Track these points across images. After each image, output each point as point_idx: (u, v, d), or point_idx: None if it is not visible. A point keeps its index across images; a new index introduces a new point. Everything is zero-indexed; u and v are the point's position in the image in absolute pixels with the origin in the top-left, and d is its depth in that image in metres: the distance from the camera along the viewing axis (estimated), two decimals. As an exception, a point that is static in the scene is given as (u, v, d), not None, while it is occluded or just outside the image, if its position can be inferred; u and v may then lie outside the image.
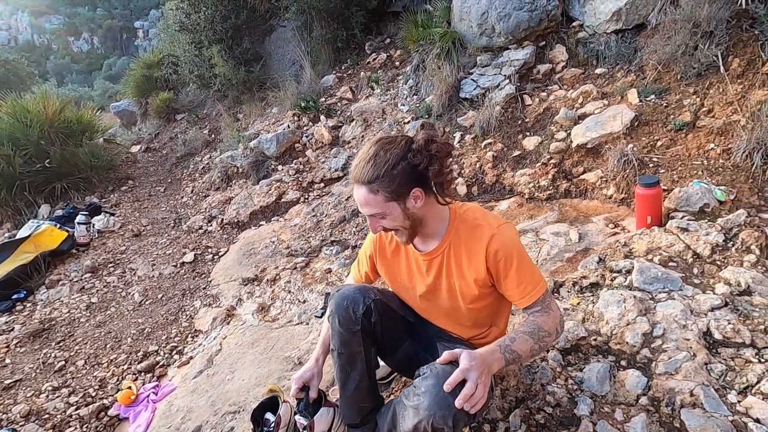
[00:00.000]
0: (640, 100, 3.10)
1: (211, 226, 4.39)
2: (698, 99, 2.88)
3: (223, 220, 4.38)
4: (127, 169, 6.24)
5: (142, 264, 3.78)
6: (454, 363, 1.11)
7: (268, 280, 3.19)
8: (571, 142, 3.13)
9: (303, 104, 5.23)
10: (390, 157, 1.14)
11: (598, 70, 3.66)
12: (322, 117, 5.09)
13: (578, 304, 1.96)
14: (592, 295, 1.97)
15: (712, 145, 2.61)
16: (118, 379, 2.49)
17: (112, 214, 4.73)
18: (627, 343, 1.63)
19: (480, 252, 1.22)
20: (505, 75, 3.97)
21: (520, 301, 1.24)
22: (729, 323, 1.56)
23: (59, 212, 4.70)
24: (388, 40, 5.90)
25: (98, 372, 2.57)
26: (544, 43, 4.06)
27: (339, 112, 5.21)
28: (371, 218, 1.23)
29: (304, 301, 2.82)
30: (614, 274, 1.99)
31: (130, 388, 2.34)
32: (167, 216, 4.83)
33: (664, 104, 2.99)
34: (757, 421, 1.29)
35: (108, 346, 2.80)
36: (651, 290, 1.81)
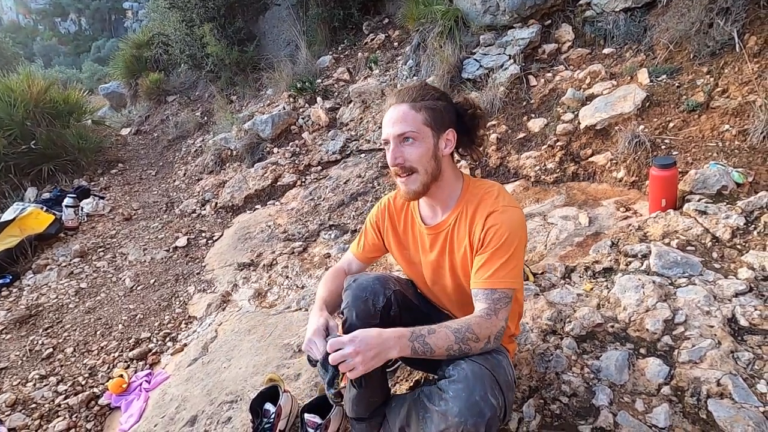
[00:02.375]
0: (651, 81, 2.99)
1: (204, 209, 4.25)
2: (712, 79, 2.77)
3: (217, 203, 4.25)
4: (116, 152, 6.05)
5: (134, 248, 3.65)
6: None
7: (264, 265, 3.08)
8: (579, 123, 3.02)
9: (299, 85, 5.06)
10: (436, 91, 1.17)
11: (606, 50, 3.53)
12: (319, 98, 4.94)
13: (591, 289, 1.87)
14: (606, 281, 1.88)
15: (727, 126, 2.52)
16: (108, 367, 2.39)
17: (102, 198, 4.57)
18: (647, 330, 1.55)
19: (479, 223, 1.14)
20: (509, 55, 3.83)
21: (474, 280, 1.14)
22: (755, 309, 1.48)
23: (46, 195, 4.54)
24: (387, 20, 5.71)
25: (88, 360, 2.46)
26: (549, 22, 3.92)
27: (336, 93, 5.05)
28: (398, 142, 1.13)
29: (303, 287, 2.72)
30: (629, 259, 1.91)
31: (121, 376, 2.24)
32: (159, 200, 4.68)
33: (676, 84, 2.88)
34: (791, 412, 1.21)
35: (98, 332, 2.69)
36: (670, 275, 1.73)
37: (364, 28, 5.73)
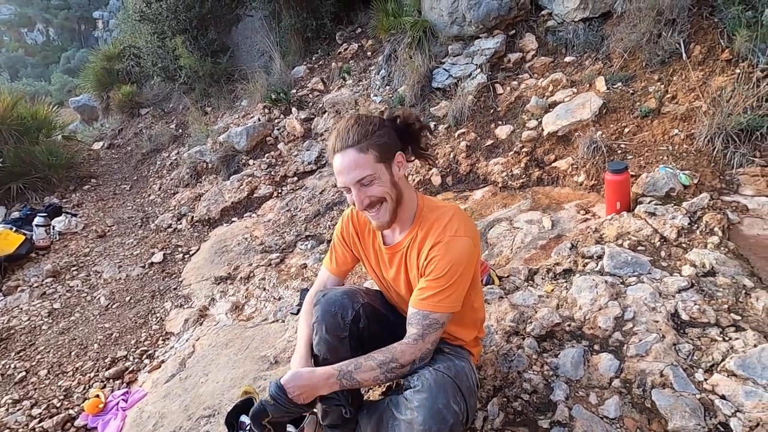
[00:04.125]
0: (608, 88, 3.15)
1: (180, 224, 4.24)
2: (662, 86, 2.95)
3: (193, 217, 4.25)
4: (89, 167, 5.95)
5: (108, 266, 3.62)
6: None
7: (241, 277, 3.11)
8: (543, 130, 3.16)
9: (273, 96, 5.10)
10: (372, 120, 1.17)
11: (567, 59, 3.70)
12: (294, 109, 4.98)
13: (552, 290, 1.98)
14: (566, 282, 1.99)
15: (676, 131, 2.68)
16: (84, 388, 2.38)
17: (74, 215, 4.50)
18: (599, 327, 1.66)
19: (424, 251, 1.19)
20: (476, 64, 3.96)
21: (413, 298, 1.20)
22: (695, 304, 1.61)
23: (16, 214, 4.44)
24: (359, 30, 5.81)
25: (63, 381, 2.44)
26: (514, 31, 4.07)
27: (311, 103, 5.10)
28: (358, 187, 1.15)
29: (280, 298, 2.76)
30: (586, 260, 2.02)
31: (97, 396, 2.24)
32: (134, 215, 4.64)
33: (631, 91, 3.05)
34: (723, 397, 1.33)
35: (73, 353, 2.67)
36: (621, 275, 1.85)
37: (337, 38, 5.81)
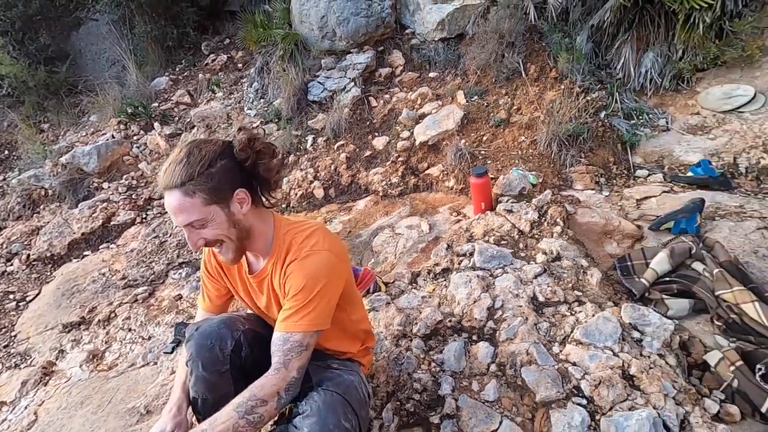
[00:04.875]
0: (467, 101, 3.50)
1: (11, 265, 3.48)
2: (510, 99, 3.38)
3: (29, 256, 3.52)
4: None
5: None
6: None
7: (99, 320, 2.66)
8: (415, 140, 3.37)
9: (130, 110, 4.54)
10: (206, 154, 1.02)
11: (432, 74, 4.02)
12: (156, 124, 4.50)
13: (434, 290, 2.09)
14: (445, 280, 2.13)
15: (523, 138, 3.10)
16: None
17: None
18: (475, 318, 1.80)
19: (283, 272, 1.14)
20: (350, 78, 4.07)
21: (276, 324, 1.13)
22: (548, 286, 1.85)
23: None
24: (228, 41, 5.53)
25: None
26: (382, 48, 4.29)
27: (177, 118, 4.67)
28: (189, 230, 1.05)
29: (150, 338, 2.43)
30: (461, 258, 2.19)
31: None
32: (-60, 261, 3.66)
33: (486, 104, 3.43)
34: (574, 364, 1.54)
35: None
36: (490, 268, 2.04)
37: (203, 48, 5.44)
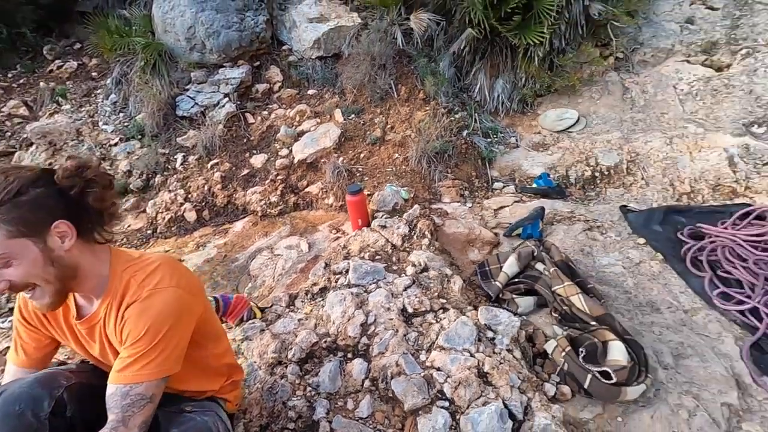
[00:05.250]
0: (345, 119, 3.59)
1: None
2: (384, 118, 3.56)
3: None
4: None
5: None
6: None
7: None
8: (294, 158, 3.34)
9: (-61, 124, 3.70)
10: (14, 180, 0.89)
11: (310, 91, 4.04)
12: (-21, 141, 3.74)
13: (311, 311, 2.08)
14: (322, 300, 2.13)
15: (397, 155, 3.27)
16: None
17: None
18: (350, 336, 1.83)
19: (120, 316, 1.02)
20: (223, 93, 3.88)
21: (110, 374, 1.01)
22: (416, 297, 1.96)
23: None
24: (78, 46, 4.87)
25: None
26: (258, 63, 4.18)
27: (9, 133, 3.94)
28: None
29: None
30: (337, 276, 2.21)
31: None
32: None
33: (362, 122, 3.56)
34: (438, 369, 1.66)
35: None
36: (364, 284, 2.10)
37: (45, 52, 4.70)
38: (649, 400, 1.68)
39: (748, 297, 2.04)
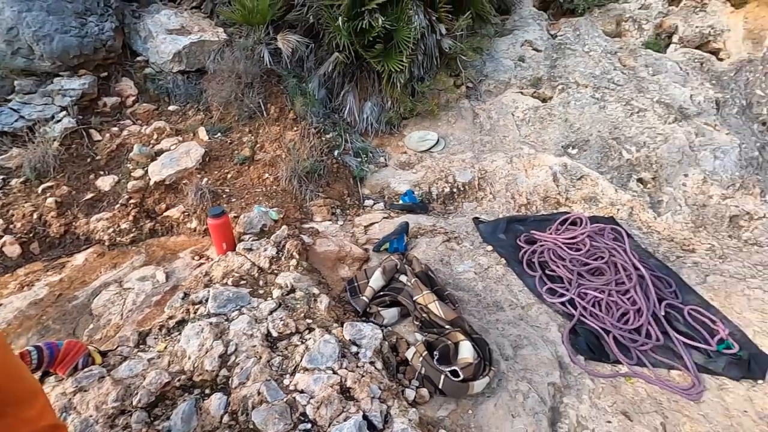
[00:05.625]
0: (209, 137, 3.41)
1: None
2: (253, 137, 3.47)
3: None
4: None
5: None
6: None
7: None
8: (150, 179, 3.04)
9: None
10: None
11: (171, 107, 3.75)
12: None
13: (165, 348, 1.89)
14: (179, 334, 1.96)
15: (267, 175, 3.21)
16: None
17: None
18: (207, 370, 1.71)
19: None
20: (60, 106, 3.37)
21: None
22: (282, 320, 1.93)
23: None
24: None
25: None
26: (107, 74, 3.75)
27: None
28: None
29: None
30: (197, 306, 2.06)
31: None
32: None
33: (229, 141, 3.42)
34: (302, 391, 1.64)
35: None
36: (226, 312, 1.99)
37: None
38: (494, 390, 1.89)
39: (566, 290, 2.46)
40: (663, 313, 2.32)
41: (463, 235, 3.02)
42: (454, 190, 3.53)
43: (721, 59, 4.56)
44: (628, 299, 2.36)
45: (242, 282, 2.22)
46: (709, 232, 3.18)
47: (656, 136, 3.70)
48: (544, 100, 4.20)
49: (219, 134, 3.44)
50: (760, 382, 2.05)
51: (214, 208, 2.47)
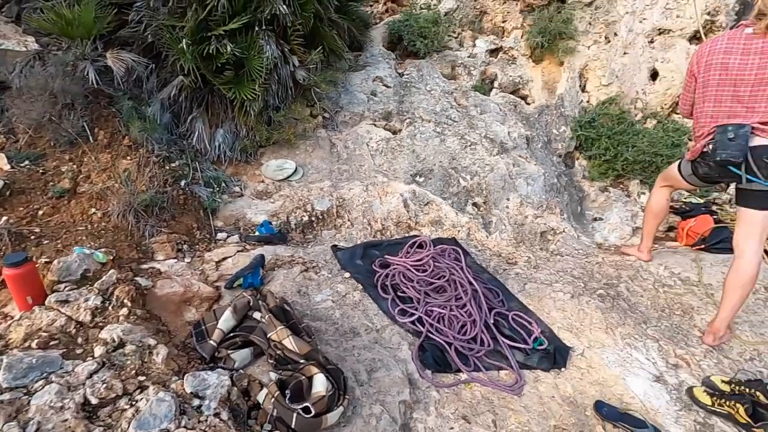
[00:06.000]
0: (13, 166, 2.82)
1: None
2: (75, 166, 2.98)
3: None
4: None
5: None
6: None
7: None
8: None
9: None
10: None
11: (-45, 128, 3.00)
12: None
13: (-71, 444, 1.46)
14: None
15: (94, 210, 2.78)
16: None
17: None
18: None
19: None
20: None
21: None
22: (104, 383, 1.66)
23: None
24: None
25: None
26: None
27: None
28: None
29: None
30: (-17, 382, 1.65)
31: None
32: None
33: (42, 170, 2.88)
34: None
35: None
36: (27, 383, 1.63)
37: None
38: (348, 419, 1.93)
39: (416, 309, 2.66)
40: (492, 321, 2.69)
41: (321, 263, 3.05)
42: (313, 218, 3.57)
43: (528, 103, 5.62)
44: (465, 312, 2.67)
45: (53, 343, 1.86)
46: (527, 247, 3.82)
47: (485, 166, 4.34)
48: (394, 132, 4.57)
49: (27, 162, 2.87)
50: (563, 369, 2.51)
51: (12, 255, 2.03)
